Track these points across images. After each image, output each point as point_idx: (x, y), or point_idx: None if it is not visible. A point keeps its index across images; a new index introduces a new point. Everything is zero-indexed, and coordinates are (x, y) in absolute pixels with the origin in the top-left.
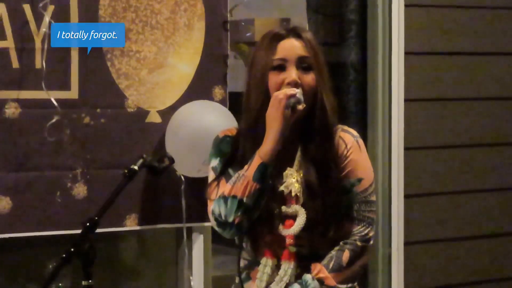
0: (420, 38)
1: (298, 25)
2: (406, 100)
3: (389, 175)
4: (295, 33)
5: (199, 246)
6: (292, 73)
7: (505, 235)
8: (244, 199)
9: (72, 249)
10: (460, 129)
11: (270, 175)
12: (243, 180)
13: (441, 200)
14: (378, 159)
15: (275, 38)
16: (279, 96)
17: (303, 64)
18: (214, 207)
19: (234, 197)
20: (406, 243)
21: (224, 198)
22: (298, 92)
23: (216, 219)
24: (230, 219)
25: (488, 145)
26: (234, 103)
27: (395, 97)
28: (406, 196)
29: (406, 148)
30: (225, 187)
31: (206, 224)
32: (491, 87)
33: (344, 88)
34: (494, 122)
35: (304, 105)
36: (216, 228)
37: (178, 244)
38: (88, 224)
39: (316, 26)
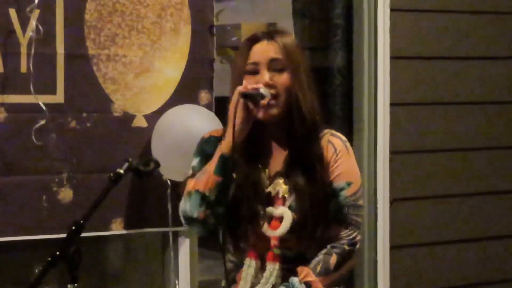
0: (405, 42)
1: (276, 28)
2: (391, 104)
3: (375, 179)
4: (269, 35)
5: (185, 250)
6: (264, 76)
7: (491, 239)
8: (206, 193)
9: (57, 253)
10: (445, 133)
11: (231, 168)
12: (205, 175)
13: (427, 204)
14: (364, 163)
15: (250, 42)
16: (238, 89)
17: (275, 66)
18: (182, 203)
19: (197, 191)
20: (392, 248)
21: (189, 194)
22: (260, 87)
23: (183, 216)
24: (195, 215)
25: (474, 149)
26: (220, 107)
27: (380, 101)
28: (392, 200)
29: (392, 152)
30: (190, 183)
31: None
32: (477, 91)
33: (330, 92)
34: (480, 126)
35: (268, 98)
36: (185, 226)
37: (165, 248)
38: (73, 227)
39: (302, 30)
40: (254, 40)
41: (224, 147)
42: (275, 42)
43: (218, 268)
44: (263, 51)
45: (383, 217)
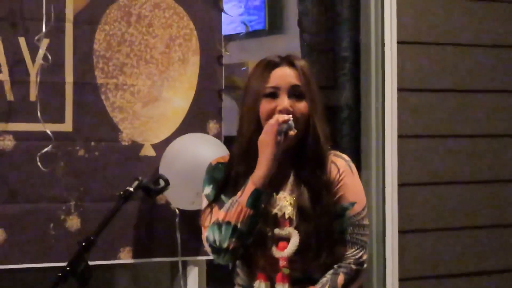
0: (413, 75)
1: (292, 54)
2: (399, 136)
3: (383, 211)
4: (289, 61)
5: (194, 279)
6: (284, 101)
7: (504, 271)
8: (238, 225)
9: (68, 268)
10: (453, 166)
11: (263, 201)
12: (236, 206)
13: (435, 236)
14: (372, 195)
15: (268, 66)
16: (271, 122)
17: (295, 93)
18: (208, 233)
19: (228, 223)
20: (401, 280)
21: (218, 225)
22: (290, 118)
23: (210, 246)
24: (225, 245)
25: (482, 182)
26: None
27: (388, 133)
28: (401, 232)
29: (400, 184)
30: (218, 214)
31: (200, 258)
32: (483, 124)
33: (338, 124)
34: (488, 159)
35: (296, 131)
36: (211, 255)
37: (173, 278)
38: (84, 243)
39: (310, 64)
40: (273, 64)
41: (258, 180)
42: (295, 68)
43: None
44: (285, 76)
45: (392, 249)
